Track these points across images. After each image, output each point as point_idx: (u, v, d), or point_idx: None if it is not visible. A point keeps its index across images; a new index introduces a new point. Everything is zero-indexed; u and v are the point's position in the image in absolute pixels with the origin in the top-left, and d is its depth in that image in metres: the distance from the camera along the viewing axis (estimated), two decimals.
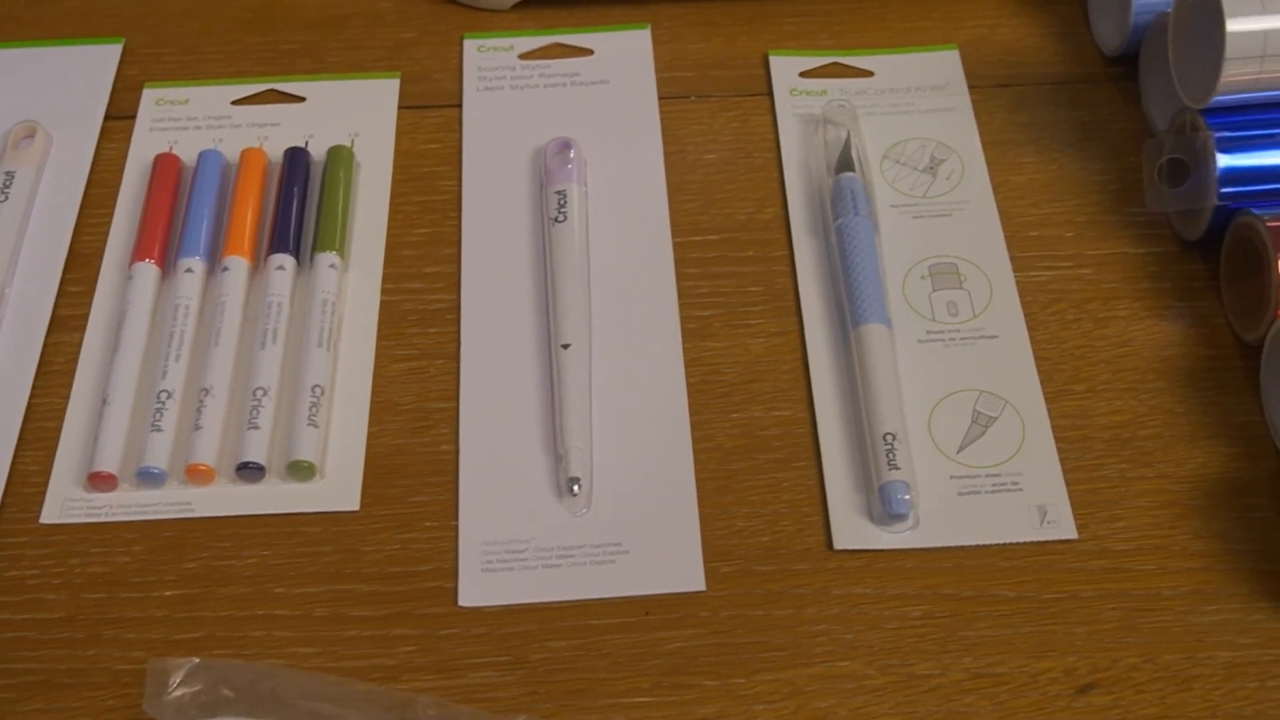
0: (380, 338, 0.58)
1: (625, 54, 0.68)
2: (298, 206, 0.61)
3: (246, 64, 0.68)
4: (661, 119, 0.65)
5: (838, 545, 0.52)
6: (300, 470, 0.54)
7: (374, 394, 0.57)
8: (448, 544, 0.53)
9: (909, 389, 0.56)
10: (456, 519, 0.53)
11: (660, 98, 0.66)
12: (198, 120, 0.65)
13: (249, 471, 0.54)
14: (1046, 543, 0.52)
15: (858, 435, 0.55)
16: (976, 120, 0.65)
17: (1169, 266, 0.60)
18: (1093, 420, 0.56)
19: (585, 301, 0.58)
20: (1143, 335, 0.58)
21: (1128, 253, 0.61)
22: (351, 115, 0.65)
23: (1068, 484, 0.54)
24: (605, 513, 0.53)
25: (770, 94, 0.66)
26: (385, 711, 0.48)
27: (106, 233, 0.61)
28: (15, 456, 0.55)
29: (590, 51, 0.68)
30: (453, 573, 0.52)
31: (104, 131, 0.65)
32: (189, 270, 0.59)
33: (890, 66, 0.67)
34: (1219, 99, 0.56)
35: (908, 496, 0.52)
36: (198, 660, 0.48)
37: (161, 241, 0.60)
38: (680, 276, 0.60)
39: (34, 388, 0.57)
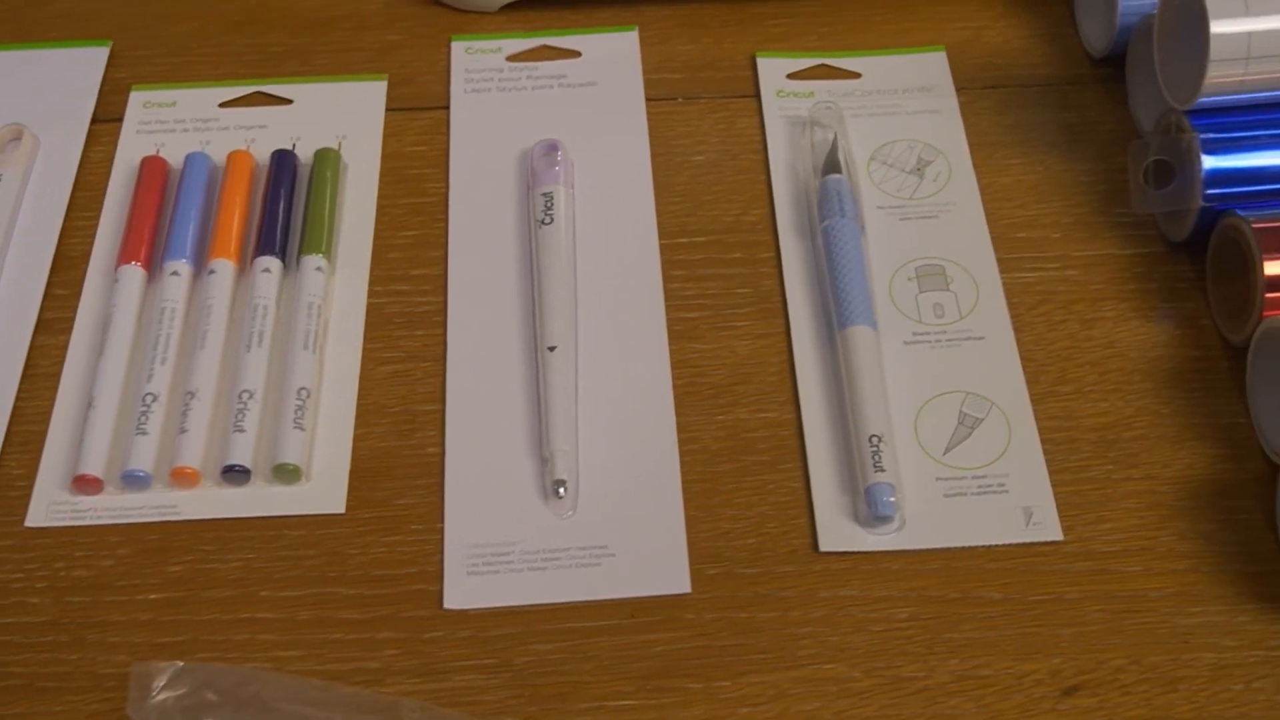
0: (367, 340, 0.58)
1: (613, 56, 0.68)
2: (284, 209, 0.61)
3: (234, 66, 0.68)
4: (649, 121, 0.65)
5: (823, 547, 0.52)
6: (285, 473, 0.54)
7: (360, 396, 0.57)
8: (433, 547, 0.53)
9: (895, 391, 0.56)
10: (442, 521, 0.53)
11: (648, 99, 0.66)
12: (185, 123, 0.65)
13: (234, 474, 0.54)
14: (1032, 544, 0.52)
15: (844, 437, 0.55)
16: (964, 122, 0.65)
17: (1155, 268, 0.60)
18: (1079, 422, 0.56)
19: (571, 304, 0.58)
20: (1129, 336, 0.58)
21: (1114, 254, 0.61)
22: (339, 117, 0.65)
23: (1053, 485, 0.54)
24: (591, 515, 0.53)
25: (757, 96, 0.66)
26: (370, 715, 0.48)
27: (93, 236, 0.61)
28: (0, 460, 0.55)
29: (578, 53, 0.68)
30: (438, 575, 0.52)
31: (91, 134, 0.65)
32: (175, 273, 0.59)
33: (877, 68, 0.67)
34: (1204, 100, 0.56)
35: (893, 498, 0.52)
36: (181, 664, 0.48)
37: (148, 244, 0.60)
38: (667, 278, 0.60)
39: (19, 391, 0.56)
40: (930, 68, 0.67)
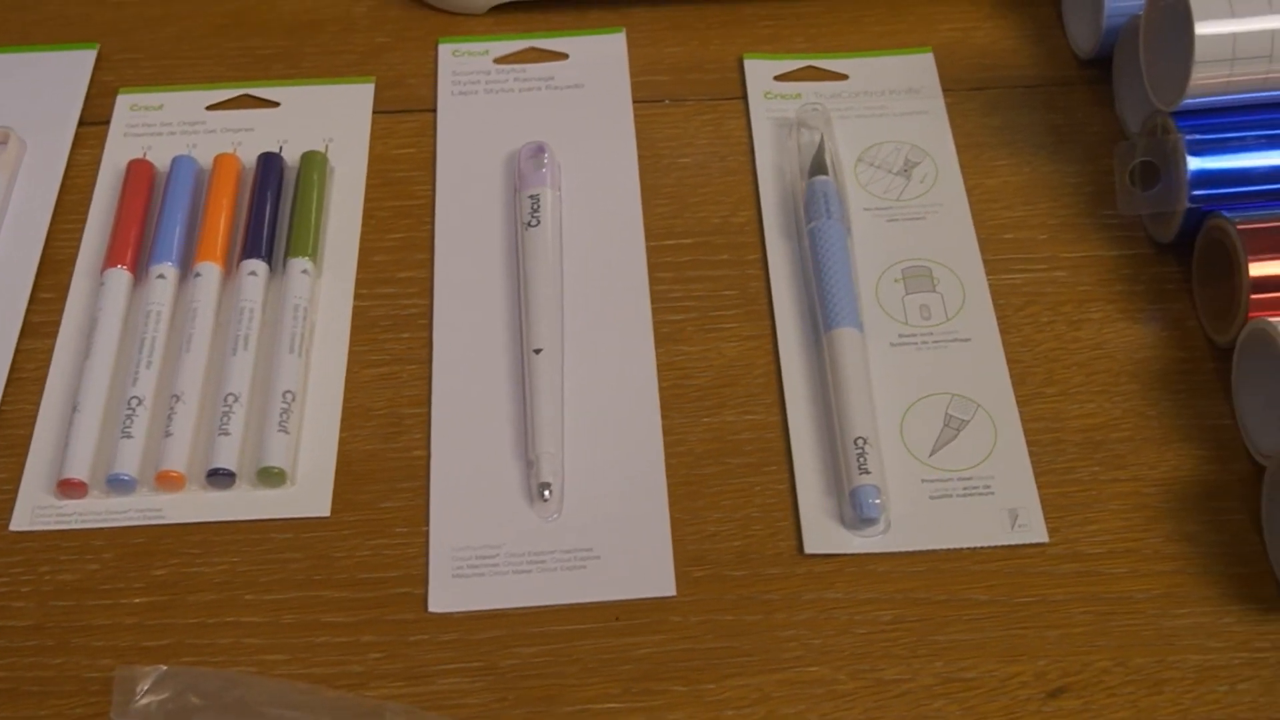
0: (353, 343, 0.58)
1: (600, 58, 0.68)
2: (270, 212, 0.61)
3: (221, 69, 0.68)
4: (636, 123, 0.65)
5: (809, 550, 0.52)
6: (271, 476, 0.54)
7: (346, 399, 0.57)
8: (418, 550, 0.53)
9: (881, 393, 0.56)
10: (427, 524, 0.53)
11: (635, 101, 0.66)
12: (172, 126, 0.65)
13: (219, 478, 0.54)
14: (1018, 546, 0.52)
15: (830, 439, 0.55)
16: (951, 123, 0.65)
17: (1142, 269, 0.60)
18: (1065, 423, 0.56)
19: (558, 306, 0.58)
20: (1115, 338, 0.58)
21: (1101, 255, 0.60)
22: (326, 120, 0.65)
23: (1039, 487, 0.54)
24: (576, 518, 0.53)
25: (745, 98, 0.66)
26: (354, 719, 0.48)
27: (79, 239, 0.61)
28: None
29: (565, 55, 0.68)
30: (423, 579, 0.52)
31: (78, 137, 0.65)
32: (161, 276, 0.59)
33: (865, 70, 0.67)
34: (1189, 101, 0.56)
35: (878, 500, 0.52)
36: (165, 668, 0.48)
37: (134, 248, 0.60)
38: (653, 281, 0.60)
39: (4, 395, 0.56)
40: (917, 69, 0.67)
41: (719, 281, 0.60)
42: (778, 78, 0.67)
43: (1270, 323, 0.52)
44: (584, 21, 0.69)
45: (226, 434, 0.54)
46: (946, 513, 0.53)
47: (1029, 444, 0.55)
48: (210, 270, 0.59)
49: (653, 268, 0.60)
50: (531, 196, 0.61)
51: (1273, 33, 0.55)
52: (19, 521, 0.53)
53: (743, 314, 0.59)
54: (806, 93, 0.66)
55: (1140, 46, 0.59)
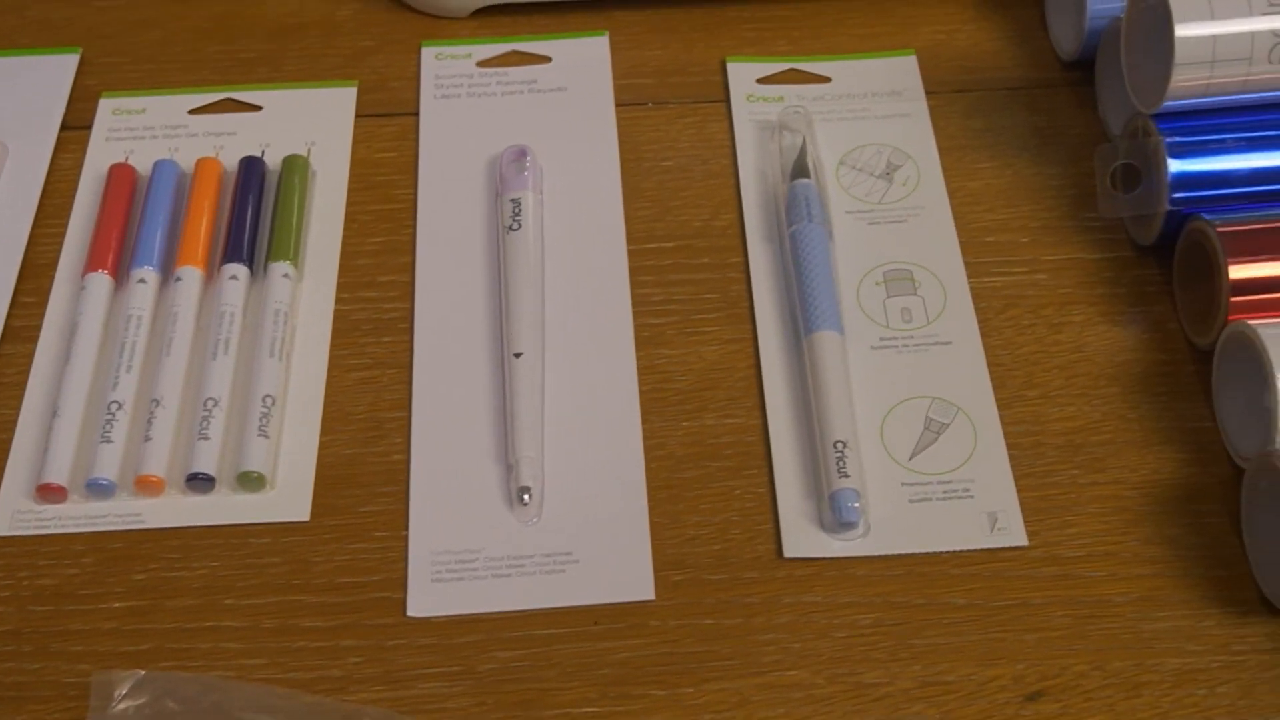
0: (333, 347, 0.58)
1: (583, 61, 0.68)
2: (252, 216, 0.61)
3: (204, 73, 0.68)
4: (619, 126, 0.65)
5: (788, 553, 0.52)
6: (250, 481, 0.54)
7: (326, 404, 0.57)
8: (397, 554, 0.53)
9: (862, 396, 0.56)
10: (407, 529, 0.53)
11: (618, 104, 0.66)
12: (154, 130, 0.65)
13: (199, 482, 0.54)
14: (997, 550, 0.52)
15: (810, 443, 0.55)
16: (933, 126, 0.65)
17: (1124, 272, 0.60)
18: (1045, 426, 0.55)
19: (538, 309, 0.58)
20: (1097, 341, 0.58)
21: (1083, 258, 0.60)
22: (308, 124, 0.65)
23: (1019, 490, 0.54)
24: (556, 522, 0.53)
25: (727, 100, 0.66)
26: None
27: (61, 244, 0.61)
28: None
29: (548, 59, 0.68)
30: (402, 583, 0.52)
31: (60, 142, 0.65)
32: (142, 281, 0.59)
33: (848, 72, 0.67)
34: (1170, 104, 0.56)
35: (857, 504, 0.52)
36: (143, 672, 0.48)
37: (115, 252, 0.60)
38: (635, 284, 0.60)
39: None
40: (900, 72, 0.67)
41: (700, 285, 0.60)
42: (760, 80, 0.67)
43: (1250, 325, 0.52)
44: (567, 25, 0.69)
45: (206, 438, 0.54)
46: (926, 516, 0.53)
47: (1009, 447, 0.55)
48: (191, 274, 0.59)
49: (634, 271, 0.60)
50: (513, 200, 0.61)
51: (1253, 35, 0.55)
52: None
53: (724, 317, 0.59)
54: (789, 95, 0.66)
55: (1122, 48, 0.59)
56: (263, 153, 0.63)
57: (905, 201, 0.62)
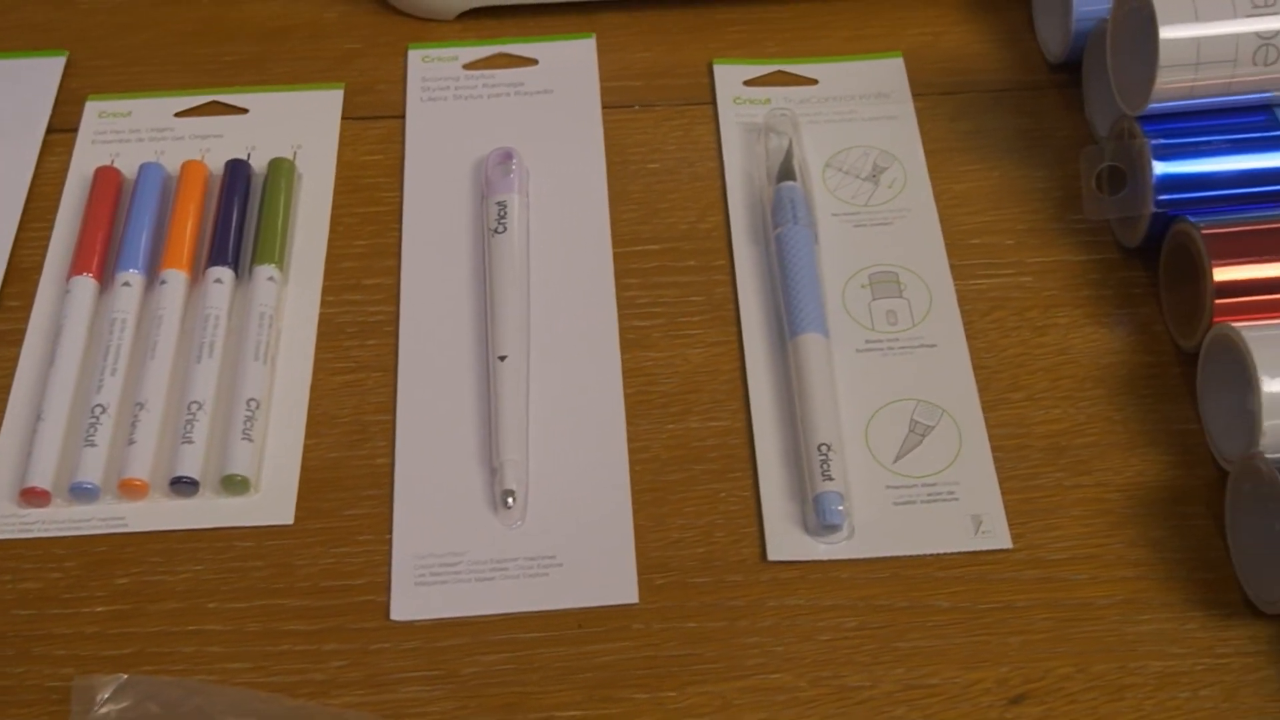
0: (318, 350, 0.58)
1: (570, 64, 0.68)
2: (237, 219, 0.61)
3: (190, 76, 0.68)
4: (605, 128, 0.65)
5: (772, 556, 0.52)
6: (234, 484, 0.54)
7: (311, 407, 0.56)
8: (381, 558, 0.53)
9: (847, 398, 0.56)
10: (391, 532, 0.53)
11: (604, 107, 0.66)
12: (140, 133, 0.65)
13: (183, 486, 0.54)
14: (981, 553, 0.52)
15: (794, 446, 0.55)
16: (920, 128, 0.65)
17: (1110, 274, 0.60)
18: (1030, 429, 0.55)
19: (523, 312, 0.58)
20: (1082, 343, 0.58)
21: (1068, 260, 0.60)
22: (294, 127, 0.65)
23: (1004, 493, 0.54)
24: (540, 525, 0.53)
25: (714, 103, 0.66)
26: None
27: (46, 247, 0.61)
28: None
29: (535, 61, 0.68)
30: (386, 586, 0.52)
31: (46, 144, 0.65)
32: (127, 284, 0.59)
33: (834, 74, 0.67)
34: (1155, 106, 0.56)
35: (842, 507, 0.52)
36: (125, 677, 0.48)
37: (100, 255, 0.60)
38: (620, 287, 0.60)
39: None
40: (887, 74, 0.67)
41: (686, 287, 0.60)
42: (747, 83, 0.67)
43: (1234, 328, 0.52)
44: (554, 27, 0.69)
45: (190, 442, 0.54)
46: (910, 519, 0.53)
47: (994, 450, 0.55)
48: (176, 277, 0.59)
49: (620, 274, 0.60)
50: (499, 203, 0.61)
51: (1237, 37, 0.55)
52: None
53: (709, 320, 0.59)
54: (776, 98, 0.66)
55: (1107, 50, 0.59)
56: (248, 155, 0.63)
57: (891, 204, 0.62)
